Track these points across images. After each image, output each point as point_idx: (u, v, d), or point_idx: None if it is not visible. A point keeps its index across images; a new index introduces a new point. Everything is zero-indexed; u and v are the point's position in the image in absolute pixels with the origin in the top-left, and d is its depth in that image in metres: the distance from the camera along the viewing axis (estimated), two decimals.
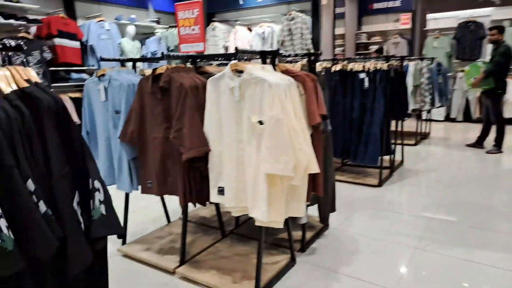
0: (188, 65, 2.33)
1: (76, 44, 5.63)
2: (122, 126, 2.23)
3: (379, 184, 3.86)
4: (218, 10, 7.70)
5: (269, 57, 1.93)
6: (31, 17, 5.32)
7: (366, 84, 3.83)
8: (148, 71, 2.36)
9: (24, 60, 4.90)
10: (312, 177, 1.96)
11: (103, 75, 2.39)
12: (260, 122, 1.72)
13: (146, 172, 2.22)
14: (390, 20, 9.50)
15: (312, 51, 6.62)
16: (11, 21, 4.93)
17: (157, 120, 2.12)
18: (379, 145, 3.83)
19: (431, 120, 6.74)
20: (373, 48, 9.43)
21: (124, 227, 2.57)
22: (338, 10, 8.28)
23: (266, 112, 1.69)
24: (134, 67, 2.68)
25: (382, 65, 3.89)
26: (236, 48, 1.79)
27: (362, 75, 3.82)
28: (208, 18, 7.49)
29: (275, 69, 1.89)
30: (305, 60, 2.61)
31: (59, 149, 0.93)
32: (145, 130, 2.18)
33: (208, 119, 1.95)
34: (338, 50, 9.14)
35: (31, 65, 4.98)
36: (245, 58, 1.90)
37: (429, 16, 8.47)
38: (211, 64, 2.66)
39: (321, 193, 2.02)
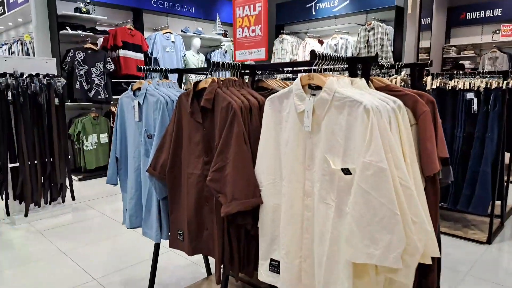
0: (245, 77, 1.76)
1: (140, 55, 5.48)
2: (152, 154, 1.70)
3: (488, 241, 2.90)
4: (288, 22, 7.17)
5: (360, 67, 1.25)
6: (99, 28, 5.26)
7: (475, 107, 2.94)
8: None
9: (87, 71, 4.79)
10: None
11: (139, 88, 1.91)
12: (346, 171, 1.04)
13: (177, 219, 1.66)
14: (486, 31, 8.16)
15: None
16: (78, 32, 4.87)
17: (195, 150, 1.55)
18: (491, 187, 2.89)
19: None
20: (465, 62, 8.17)
21: (151, 285, 2.03)
22: (424, 20, 7.27)
23: (357, 154, 1.02)
24: (180, 80, 2.17)
25: (496, 82, 2.98)
26: (312, 52, 1.14)
27: (469, 95, 2.93)
28: (277, 30, 7.02)
29: (369, 85, 1.21)
30: (403, 73, 1.89)
31: None
32: (180, 162, 1.63)
33: (262, 156, 1.32)
34: None
35: (93, 76, 4.86)
36: (322, 68, 1.25)
37: None
38: (275, 78, 2.06)
39: (434, 284, 1.27)
